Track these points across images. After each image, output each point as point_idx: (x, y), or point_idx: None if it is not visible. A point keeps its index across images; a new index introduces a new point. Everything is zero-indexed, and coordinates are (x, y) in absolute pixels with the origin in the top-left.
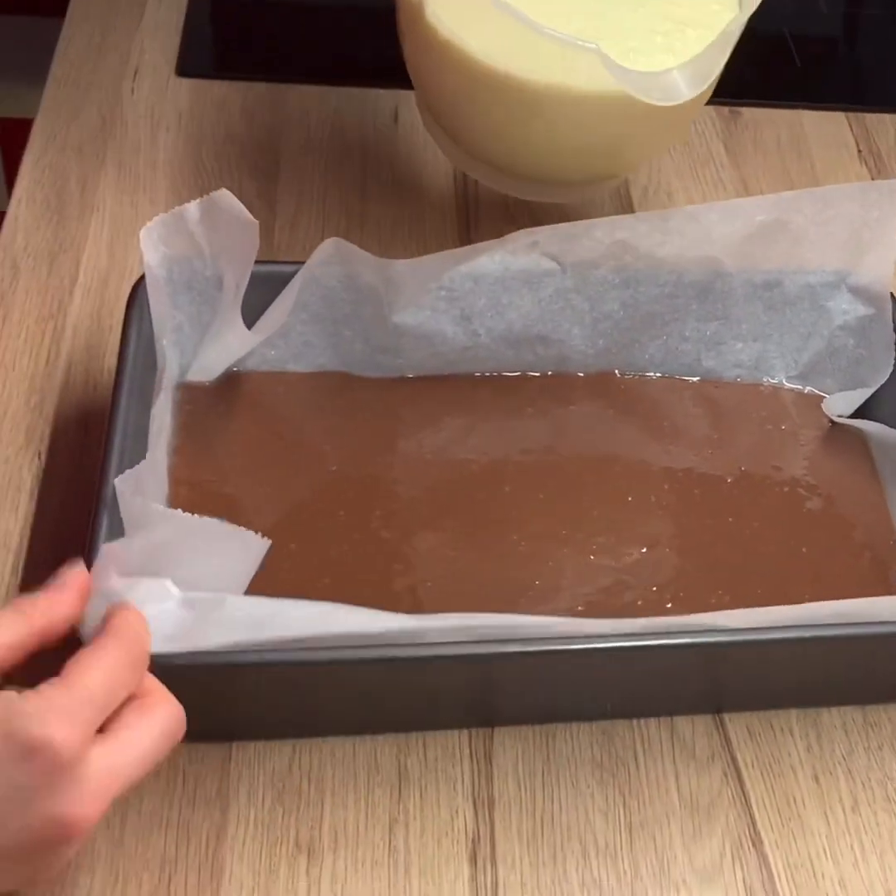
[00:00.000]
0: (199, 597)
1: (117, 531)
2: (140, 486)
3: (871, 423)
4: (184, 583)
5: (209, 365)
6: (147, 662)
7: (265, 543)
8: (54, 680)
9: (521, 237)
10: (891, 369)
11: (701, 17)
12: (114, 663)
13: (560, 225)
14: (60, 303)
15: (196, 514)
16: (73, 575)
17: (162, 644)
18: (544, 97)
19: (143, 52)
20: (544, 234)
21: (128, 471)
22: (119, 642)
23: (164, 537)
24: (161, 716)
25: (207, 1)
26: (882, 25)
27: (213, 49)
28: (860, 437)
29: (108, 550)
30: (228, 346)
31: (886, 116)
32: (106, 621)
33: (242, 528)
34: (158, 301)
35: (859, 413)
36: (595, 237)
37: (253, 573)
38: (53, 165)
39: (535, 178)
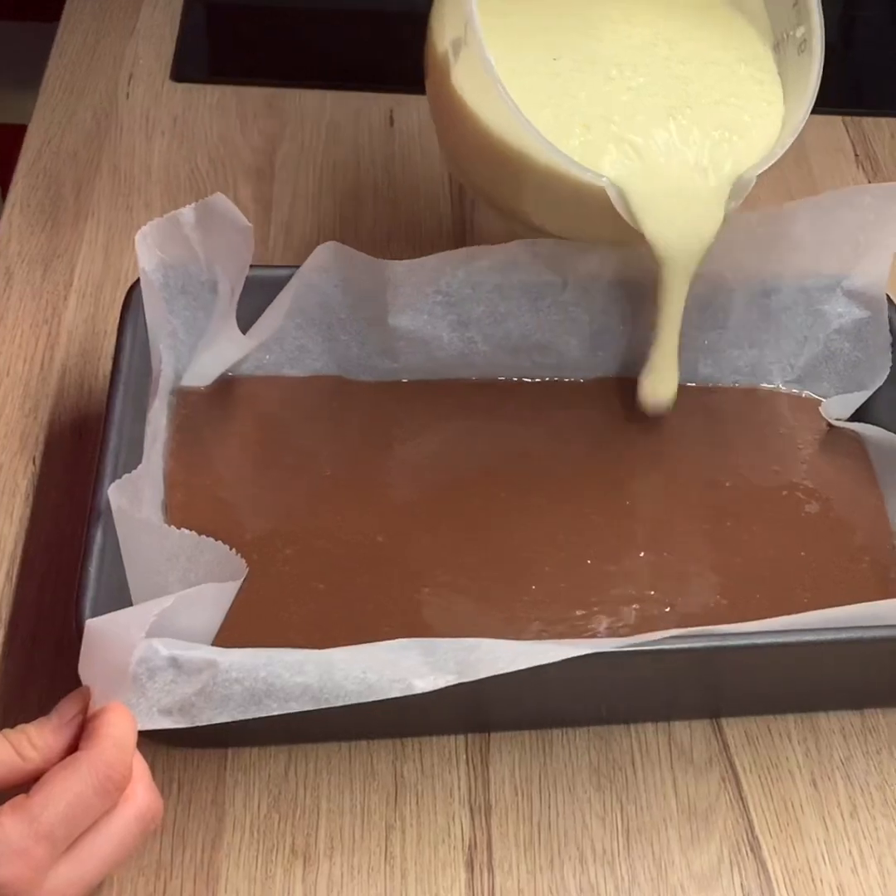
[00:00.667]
0: (190, 657)
1: (112, 540)
2: (136, 493)
3: (869, 426)
4: (171, 614)
5: (204, 370)
6: (123, 786)
7: (243, 569)
8: (18, 805)
9: (522, 247)
10: (887, 372)
11: (749, 119)
12: (83, 790)
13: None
14: (55, 308)
15: (188, 529)
16: (71, 707)
17: (152, 721)
18: (561, 184)
19: (137, 56)
20: (546, 246)
21: (121, 478)
22: (92, 768)
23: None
24: (130, 813)
25: (202, 6)
26: (879, 29)
27: (207, 54)
28: (858, 441)
29: (92, 627)
30: (223, 351)
31: (883, 121)
32: (86, 727)
33: (229, 550)
34: (154, 306)
35: (857, 416)
36: (597, 250)
37: (233, 596)
38: (48, 170)
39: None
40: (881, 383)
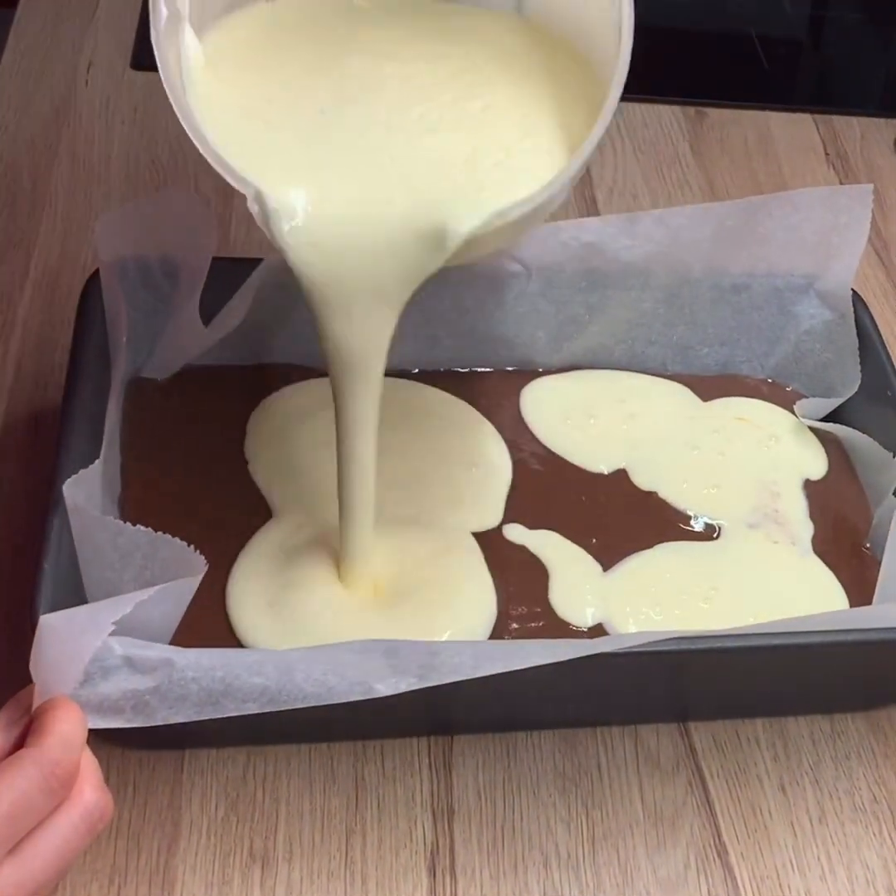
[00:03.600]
0: (146, 655)
1: (68, 536)
2: (92, 489)
3: (841, 427)
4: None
5: (164, 362)
6: (69, 784)
7: (202, 566)
8: None
9: None
10: (858, 376)
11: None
12: (27, 788)
13: None
14: (10, 299)
15: (144, 523)
16: (20, 704)
17: (104, 719)
18: None
19: (96, 43)
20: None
21: (76, 475)
22: (37, 765)
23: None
24: (76, 812)
25: None
26: (848, 28)
27: None
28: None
29: (46, 624)
30: (185, 343)
31: (853, 119)
32: (33, 724)
33: (187, 546)
34: (113, 297)
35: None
36: (561, 240)
37: (193, 591)
38: (4, 158)
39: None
40: (855, 390)
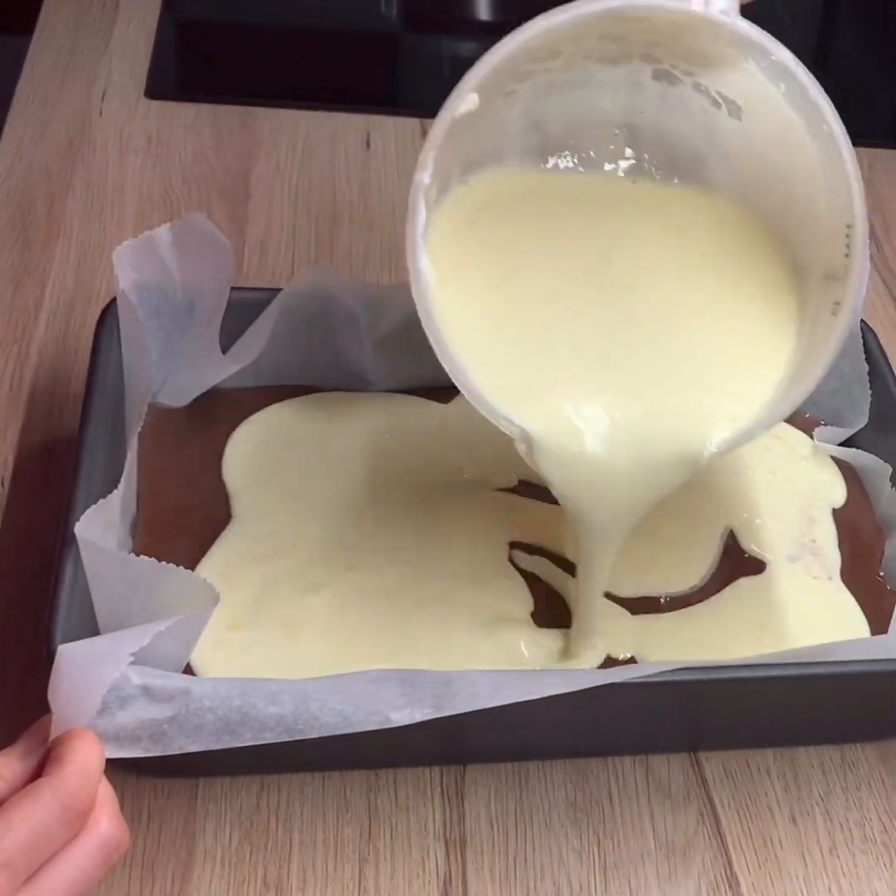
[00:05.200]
0: (163, 685)
1: (82, 565)
2: (106, 520)
3: (860, 452)
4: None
5: (181, 390)
6: (86, 815)
7: (215, 597)
8: None
9: None
10: (868, 402)
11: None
12: (44, 818)
13: None
14: (25, 327)
15: (156, 551)
16: (39, 734)
17: (121, 749)
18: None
19: (111, 72)
20: None
21: (89, 510)
22: (54, 795)
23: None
24: (93, 843)
25: (176, 23)
26: (853, 61)
27: (182, 71)
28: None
29: (64, 653)
30: (203, 372)
31: (861, 150)
32: (51, 753)
33: (192, 575)
34: (130, 326)
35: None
36: None
37: (207, 621)
38: (19, 186)
39: None
40: (865, 419)
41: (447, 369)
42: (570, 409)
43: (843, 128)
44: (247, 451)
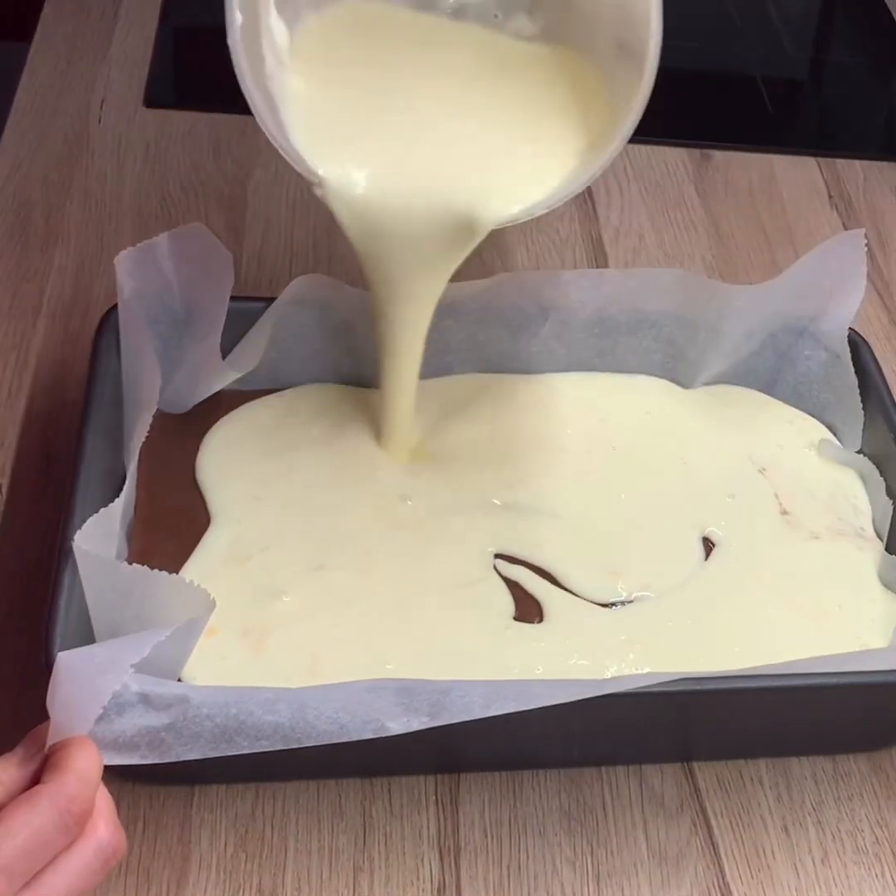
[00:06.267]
0: (161, 692)
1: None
2: (105, 530)
3: (864, 460)
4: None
5: (181, 398)
6: (84, 821)
7: (212, 604)
8: None
9: (507, 281)
10: (861, 419)
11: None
12: (42, 824)
13: (546, 272)
14: (23, 334)
15: (151, 564)
16: (37, 741)
17: (119, 756)
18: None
19: (109, 81)
20: (530, 279)
21: (86, 523)
22: (52, 802)
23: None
24: (90, 849)
25: (175, 32)
26: (850, 72)
27: (180, 80)
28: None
29: (63, 662)
30: (203, 380)
31: (856, 162)
32: (49, 760)
33: (194, 584)
34: (131, 333)
35: None
36: (582, 287)
37: (202, 631)
38: (18, 194)
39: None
40: (859, 432)
41: (253, 110)
42: (361, 156)
43: None
44: (219, 453)
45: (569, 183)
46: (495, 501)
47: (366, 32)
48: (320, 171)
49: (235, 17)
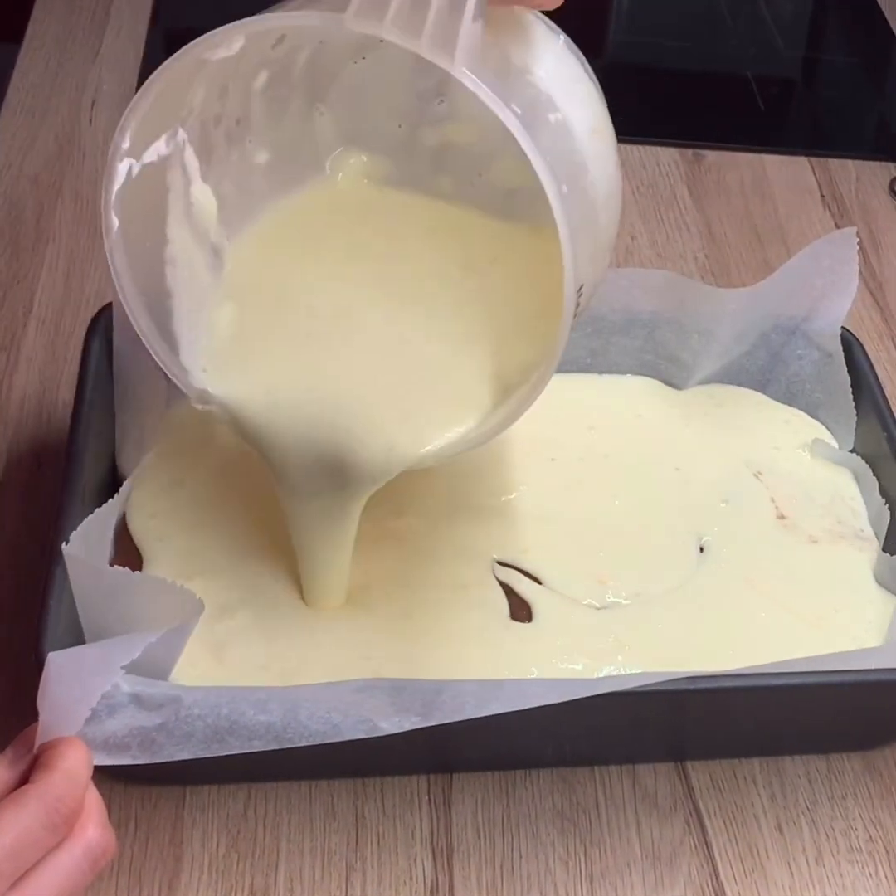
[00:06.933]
0: (152, 693)
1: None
2: (101, 532)
3: (859, 460)
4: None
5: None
6: (73, 821)
7: (200, 606)
8: None
9: None
10: (854, 419)
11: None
12: (30, 824)
13: None
14: (14, 335)
15: (140, 571)
16: (28, 741)
17: (109, 756)
18: None
19: (100, 81)
20: None
21: (77, 529)
22: (40, 801)
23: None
24: (79, 849)
25: (166, 32)
26: (842, 71)
27: None
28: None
29: (54, 662)
30: None
31: (848, 162)
32: (38, 760)
33: (183, 588)
34: (126, 334)
35: None
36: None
37: (192, 630)
38: (8, 194)
39: None
40: (853, 431)
41: (128, 313)
42: (257, 380)
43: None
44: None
45: (465, 440)
46: (487, 506)
47: (303, 237)
48: (209, 388)
49: (113, 223)
